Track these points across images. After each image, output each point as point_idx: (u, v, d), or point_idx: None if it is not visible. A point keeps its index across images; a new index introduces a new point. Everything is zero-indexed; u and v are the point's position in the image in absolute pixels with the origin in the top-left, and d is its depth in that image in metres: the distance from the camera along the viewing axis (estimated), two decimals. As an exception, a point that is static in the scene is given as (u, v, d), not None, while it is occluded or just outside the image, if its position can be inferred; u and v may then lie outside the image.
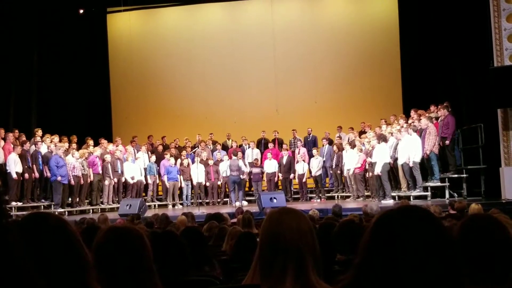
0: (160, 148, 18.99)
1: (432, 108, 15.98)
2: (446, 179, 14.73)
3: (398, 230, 1.60)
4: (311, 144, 19.00)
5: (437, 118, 15.27)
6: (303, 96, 21.33)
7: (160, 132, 20.08)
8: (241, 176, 17.73)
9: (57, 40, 19.61)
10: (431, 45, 18.40)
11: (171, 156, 18.11)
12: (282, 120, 20.22)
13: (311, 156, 18.25)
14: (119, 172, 17.13)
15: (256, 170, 18.14)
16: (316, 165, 17.90)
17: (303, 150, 18.43)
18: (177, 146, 19.19)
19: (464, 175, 14.89)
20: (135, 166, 17.63)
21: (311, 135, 19.31)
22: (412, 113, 15.99)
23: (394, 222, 1.63)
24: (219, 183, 18.28)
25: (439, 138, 14.63)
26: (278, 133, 19.47)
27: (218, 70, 21.77)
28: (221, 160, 18.23)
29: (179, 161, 18.32)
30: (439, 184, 14.66)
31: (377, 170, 14.97)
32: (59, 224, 1.80)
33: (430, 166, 14.68)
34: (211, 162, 18.15)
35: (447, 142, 14.66)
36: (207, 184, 18.14)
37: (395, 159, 15.09)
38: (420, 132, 14.83)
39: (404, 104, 19.75)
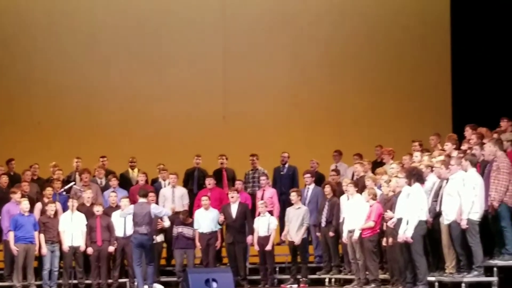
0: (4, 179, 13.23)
1: (504, 124, 12.00)
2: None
3: None
4: (286, 181, 13.87)
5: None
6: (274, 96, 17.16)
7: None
8: (153, 235, 12.46)
9: None
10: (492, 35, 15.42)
11: (23, 196, 12.93)
12: (232, 136, 15.86)
13: (286, 203, 13.24)
14: None
15: (182, 228, 12.95)
16: (296, 220, 12.89)
17: (271, 193, 13.34)
18: (35, 177, 13.61)
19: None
20: None
21: (286, 166, 13.99)
22: (468, 132, 11.86)
23: None
24: (111, 248, 12.80)
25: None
26: (226, 159, 14.00)
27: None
28: (117, 206, 12.76)
29: (38, 206, 12.95)
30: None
31: (406, 232, 10.67)
32: None
33: (499, 229, 10.63)
34: (99, 209, 12.73)
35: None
36: (89, 250, 12.82)
37: (437, 215, 10.96)
38: (483, 167, 10.90)
39: (454, 117, 16.13)
